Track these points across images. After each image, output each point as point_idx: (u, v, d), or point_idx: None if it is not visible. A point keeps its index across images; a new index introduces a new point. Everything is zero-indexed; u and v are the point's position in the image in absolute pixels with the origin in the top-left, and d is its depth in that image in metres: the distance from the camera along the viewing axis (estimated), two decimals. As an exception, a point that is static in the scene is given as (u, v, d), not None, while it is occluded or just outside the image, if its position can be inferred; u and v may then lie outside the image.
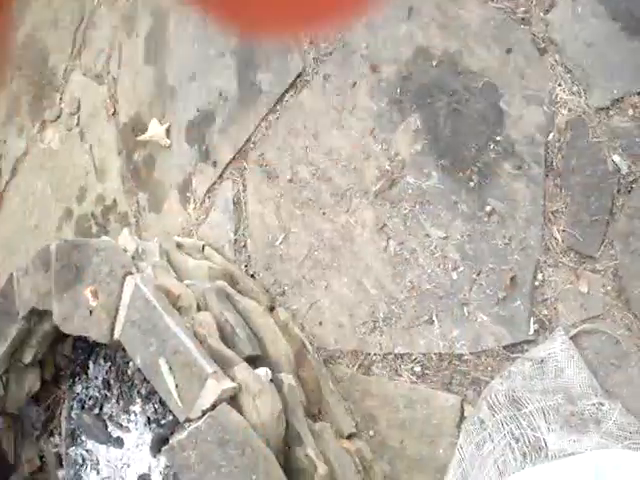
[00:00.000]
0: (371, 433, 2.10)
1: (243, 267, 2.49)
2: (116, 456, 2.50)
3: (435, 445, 1.98)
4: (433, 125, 2.06)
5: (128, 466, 2.46)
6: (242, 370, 1.95)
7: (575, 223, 1.80)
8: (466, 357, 1.95)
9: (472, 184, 1.97)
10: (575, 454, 1.69)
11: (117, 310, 2.15)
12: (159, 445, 2.18)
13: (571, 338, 1.79)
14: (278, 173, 2.42)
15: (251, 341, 2.12)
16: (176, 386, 1.96)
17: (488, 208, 1.94)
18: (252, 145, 2.51)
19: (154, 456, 2.32)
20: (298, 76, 2.39)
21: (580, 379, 1.73)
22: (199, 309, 2.14)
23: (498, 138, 1.93)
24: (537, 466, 1.74)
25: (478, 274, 1.94)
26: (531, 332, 1.85)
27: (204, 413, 1.88)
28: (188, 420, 1.93)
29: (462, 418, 1.95)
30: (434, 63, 2.06)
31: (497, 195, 1.93)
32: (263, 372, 1.99)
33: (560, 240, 1.83)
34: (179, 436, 1.91)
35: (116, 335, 2.13)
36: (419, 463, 2.00)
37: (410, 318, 2.05)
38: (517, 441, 1.79)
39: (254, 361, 2.07)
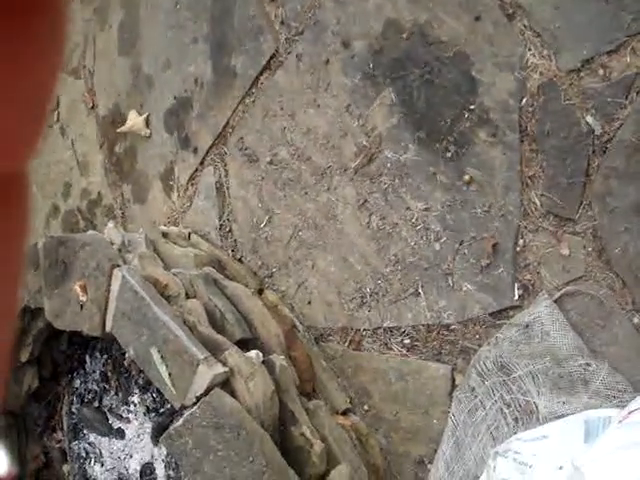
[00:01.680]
0: (365, 407, 2.12)
1: (230, 252, 2.50)
2: (118, 447, 2.52)
3: (429, 415, 2.00)
4: (407, 98, 2.06)
5: (131, 456, 2.48)
6: (233, 354, 1.97)
7: (553, 187, 1.81)
8: (454, 327, 1.97)
9: (449, 154, 1.97)
10: (565, 415, 1.71)
11: (107, 303, 2.16)
12: (160, 433, 2.20)
13: (555, 301, 1.80)
14: (258, 156, 2.42)
15: (241, 324, 2.14)
16: (169, 374, 1.97)
17: (466, 177, 1.94)
18: (231, 130, 2.51)
19: (155, 445, 2.34)
20: (272, 57, 2.38)
21: (566, 341, 1.75)
22: (187, 297, 2.15)
23: (472, 107, 1.93)
24: (529, 430, 1.76)
25: (460, 243, 1.95)
26: (516, 298, 1.87)
27: (198, 399, 1.90)
28: (183, 407, 1.95)
29: (453, 387, 1.97)
30: (404, 35, 2.05)
31: (474, 164, 1.93)
32: (254, 355, 2.01)
33: (539, 204, 1.83)
34: (175, 423, 1.93)
35: (107, 328, 2.14)
36: (414, 434, 2.03)
37: (396, 291, 2.07)
38: (508, 406, 1.81)
39: (245, 344, 2.08)
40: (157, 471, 2.38)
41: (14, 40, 0.22)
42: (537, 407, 1.77)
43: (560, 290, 1.80)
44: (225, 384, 1.92)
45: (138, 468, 2.45)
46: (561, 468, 1.62)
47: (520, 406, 1.80)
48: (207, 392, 1.89)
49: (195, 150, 2.63)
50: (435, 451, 1.96)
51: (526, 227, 1.86)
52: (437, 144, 2.00)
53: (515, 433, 1.78)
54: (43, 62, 0.24)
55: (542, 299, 1.81)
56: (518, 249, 1.87)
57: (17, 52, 0.23)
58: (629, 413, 1.50)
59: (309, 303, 2.27)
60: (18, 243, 0.27)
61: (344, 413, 2.12)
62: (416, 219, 2.03)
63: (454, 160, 1.97)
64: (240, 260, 2.47)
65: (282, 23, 2.35)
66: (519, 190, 1.86)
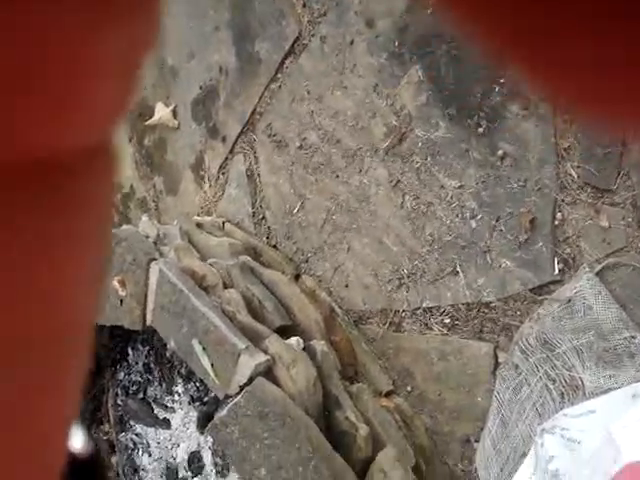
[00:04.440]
0: (408, 389, 2.12)
1: (264, 239, 2.50)
2: (165, 437, 2.55)
3: (472, 394, 1.99)
4: (435, 75, 2.03)
5: (178, 445, 2.51)
6: (274, 342, 1.98)
7: (589, 158, 1.77)
8: (494, 304, 1.95)
9: (481, 130, 1.94)
10: (612, 390, 1.69)
11: (146, 297, 2.18)
12: (205, 422, 2.22)
13: (596, 274, 1.77)
14: (287, 141, 2.41)
15: (279, 312, 2.14)
16: (211, 365, 1.99)
17: (500, 152, 1.91)
18: (258, 116, 2.50)
19: (202, 433, 2.37)
20: (295, 41, 2.36)
21: (609, 314, 1.72)
22: (225, 286, 2.16)
23: (502, 80, 1.89)
24: (576, 405, 1.74)
25: (497, 220, 1.93)
26: (556, 272, 1.84)
27: (241, 388, 1.91)
28: (227, 397, 1.96)
29: (496, 365, 1.95)
30: (429, 11, 2.02)
31: (507, 138, 1.90)
32: (295, 341, 2.01)
33: (575, 176, 1.80)
34: (220, 413, 1.95)
35: (148, 322, 2.16)
36: (459, 413, 2.02)
37: (434, 271, 2.05)
38: (553, 382, 1.80)
39: (285, 331, 2.09)
40: (204, 459, 2.41)
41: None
42: (583, 382, 1.75)
43: (601, 263, 1.77)
44: (268, 372, 1.93)
45: (186, 457, 2.48)
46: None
47: (565, 381, 1.78)
48: (250, 381, 1.90)
49: (224, 139, 2.62)
50: (481, 429, 1.95)
51: (563, 200, 1.82)
52: (468, 120, 1.97)
53: (561, 409, 1.77)
54: None
55: (583, 273, 1.78)
56: (556, 223, 1.84)
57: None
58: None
59: (346, 286, 2.26)
60: (104, 227, 0.25)
61: (387, 395, 2.12)
62: (451, 197, 2.01)
63: (486, 135, 1.94)
64: (275, 247, 2.46)
65: (304, 6, 2.33)
66: (554, 163, 1.83)
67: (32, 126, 0.19)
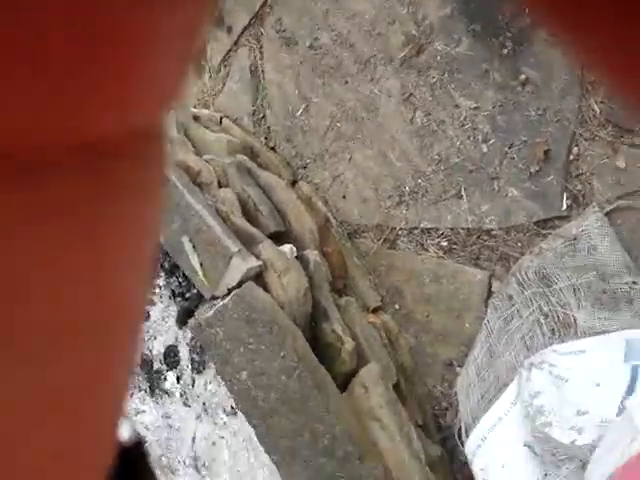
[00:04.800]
0: (396, 307, 2.10)
1: (263, 140, 2.41)
2: (143, 328, 2.53)
3: (461, 319, 1.98)
4: (464, -14, 1.92)
5: (155, 338, 2.49)
6: (267, 247, 1.93)
7: (614, 95, 1.70)
8: (495, 232, 1.91)
9: (505, 51, 1.86)
10: (605, 332, 1.69)
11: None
12: (185, 317, 2.19)
13: (605, 215, 1.74)
14: (297, 39, 2.29)
15: (274, 217, 2.09)
16: (200, 264, 1.94)
17: (522, 77, 1.83)
18: (268, 9, 2.37)
19: (180, 328, 2.35)
20: None
21: (614, 257, 1.70)
22: (220, 185, 2.09)
23: (535, 0, 1.79)
24: (566, 342, 1.74)
25: (510, 147, 1.87)
26: (564, 208, 1.80)
27: (230, 291, 1.88)
28: (214, 297, 1.93)
29: (489, 294, 1.93)
30: None
31: (532, 64, 1.82)
32: (288, 249, 1.97)
33: (598, 112, 1.74)
34: (206, 313, 1.92)
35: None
36: (444, 336, 2.01)
37: (437, 192, 2.00)
38: (546, 317, 1.78)
39: (278, 238, 2.04)
40: (181, 354, 2.39)
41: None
42: (576, 321, 1.74)
43: (612, 204, 1.73)
44: (258, 278, 1.89)
45: (162, 350, 2.47)
46: (598, 385, 1.61)
47: (558, 318, 1.77)
48: (239, 285, 1.86)
49: (229, 29, 2.49)
50: (465, 355, 1.95)
51: (582, 135, 1.77)
52: (493, 39, 1.87)
53: (550, 345, 1.76)
54: None
55: (592, 212, 1.75)
56: (571, 157, 1.79)
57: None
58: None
59: (344, 198, 2.20)
60: (154, 212, 0.25)
61: (374, 311, 2.10)
62: (464, 118, 1.94)
63: (510, 58, 1.85)
64: (273, 149, 2.38)
65: None
66: (578, 95, 1.76)
67: (90, 108, 0.18)
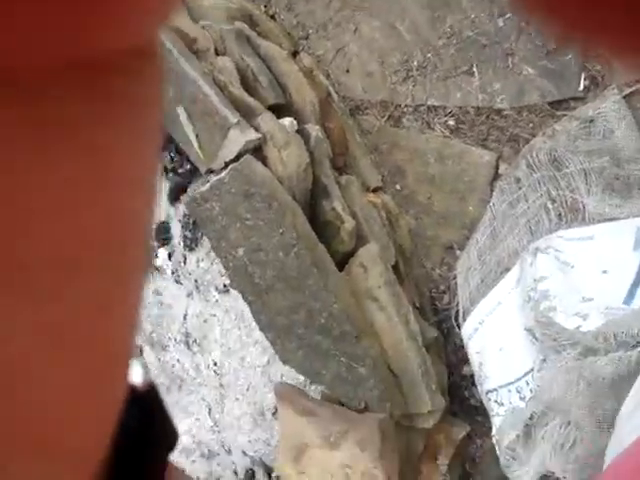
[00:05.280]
0: (398, 187, 2.03)
1: (262, 7, 2.27)
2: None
3: (464, 202, 1.92)
4: None
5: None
6: (266, 120, 1.84)
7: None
8: (506, 112, 1.83)
9: None
10: (615, 219, 1.64)
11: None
12: (177, 194, 2.13)
13: (624, 98, 1.65)
14: None
15: (274, 88, 1.99)
16: (196, 136, 1.86)
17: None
18: None
19: (172, 204, 2.28)
20: None
21: (630, 142, 1.63)
22: (217, 53, 1.98)
23: None
24: (573, 228, 1.70)
25: (527, 22, 1.76)
26: (580, 88, 1.71)
27: (227, 164, 1.80)
28: (210, 171, 1.86)
29: (496, 175, 1.87)
30: None
31: None
32: (288, 122, 1.88)
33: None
34: (201, 188, 1.85)
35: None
36: (446, 219, 1.96)
37: (447, 68, 1.90)
38: (553, 202, 1.73)
39: (278, 110, 1.95)
40: (173, 230, 2.34)
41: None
42: (584, 207, 1.69)
43: (632, 87, 1.65)
44: (257, 151, 1.81)
45: (153, 226, 2.42)
46: (605, 272, 1.57)
47: (566, 203, 1.71)
48: (237, 158, 1.79)
49: None
50: (467, 238, 1.90)
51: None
52: None
53: (556, 231, 1.72)
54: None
55: (610, 94, 1.66)
56: (593, 34, 1.68)
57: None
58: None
59: (347, 71, 2.10)
60: (154, 129, 0.25)
61: (375, 191, 2.04)
62: (481, -12, 1.82)
63: None
64: (273, 17, 2.25)
65: None
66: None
67: (87, 25, 0.18)
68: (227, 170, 1.78)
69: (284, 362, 1.90)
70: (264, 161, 1.81)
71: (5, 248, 0.19)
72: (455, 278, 1.90)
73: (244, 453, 2.20)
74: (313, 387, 1.91)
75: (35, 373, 0.21)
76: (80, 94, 0.20)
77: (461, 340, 1.90)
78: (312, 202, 1.88)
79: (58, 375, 0.22)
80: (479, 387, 1.83)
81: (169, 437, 0.35)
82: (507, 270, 1.79)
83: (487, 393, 1.78)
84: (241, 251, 1.83)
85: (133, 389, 0.30)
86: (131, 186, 0.23)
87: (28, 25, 0.17)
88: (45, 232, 0.20)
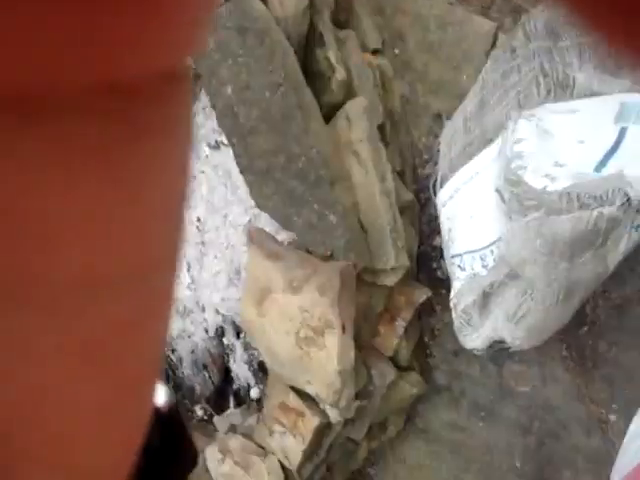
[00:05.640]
0: (396, 52, 2.02)
1: None
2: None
3: (459, 71, 1.90)
4: None
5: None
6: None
7: None
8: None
9: None
10: (602, 94, 1.63)
11: None
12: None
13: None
14: None
15: None
16: None
17: None
18: None
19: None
20: None
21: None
22: None
23: None
24: (559, 102, 1.69)
25: None
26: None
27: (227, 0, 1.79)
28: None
29: (494, 47, 1.85)
30: None
31: None
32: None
33: None
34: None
35: None
36: (440, 88, 1.95)
37: None
38: (545, 76, 1.72)
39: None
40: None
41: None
42: (574, 82, 1.67)
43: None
44: (257, -10, 1.79)
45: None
46: (582, 142, 1.58)
47: (557, 78, 1.70)
48: (235, -7, 1.77)
49: None
50: (456, 109, 1.90)
51: None
52: None
53: (544, 104, 1.71)
54: None
55: None
56: None
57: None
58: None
59: None
60: (184, 155, 0.24)
61: (373, 53, 2.02)
62: None
63: None
64: None
65: None
66: None
67: (116, 47, 0.19)
68: (225, 4, 1.77)
69: (259, 207, 1.92)
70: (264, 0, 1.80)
71: (35, 267, 0.19)
72: (438, 146, 1.90)
73: (217, 311, 2.23)
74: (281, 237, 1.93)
75: (65, 392, 0.21)
76: (112, 117, 0.20)
77: (436, 211, 1.91)
78: (307, 50, 1.87)
79: (87, 394, 0.22)
80: (445, 251, 1.85)
81: (189, 457, 0.37)
82: (490, 142, 1.79)
83: (452, 257, 1.80)
84: (229, 89, 1.83)
85: (156, 410, 0.31)
86: (162, 207, 0.23)
87: (62, 46, 0.17)
88: (75, 251, 0.20)
